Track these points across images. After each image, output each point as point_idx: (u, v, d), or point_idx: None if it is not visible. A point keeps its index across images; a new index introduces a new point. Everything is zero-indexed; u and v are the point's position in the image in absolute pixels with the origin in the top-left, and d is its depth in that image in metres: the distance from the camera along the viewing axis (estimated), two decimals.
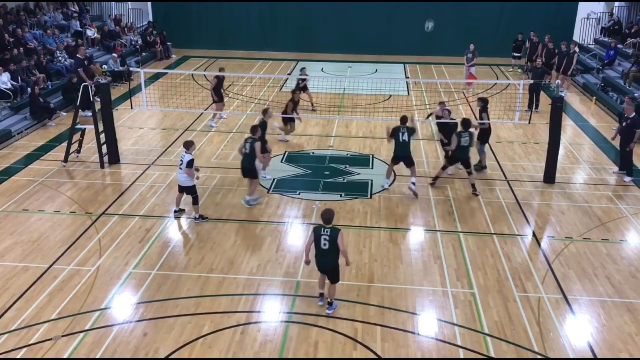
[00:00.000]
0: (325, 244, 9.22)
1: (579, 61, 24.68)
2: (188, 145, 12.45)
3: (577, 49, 23.87)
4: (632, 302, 10.10)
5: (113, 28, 28.15)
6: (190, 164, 12.21)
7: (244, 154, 13.04)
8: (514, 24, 28.71)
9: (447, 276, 10.78)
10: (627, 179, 15.03)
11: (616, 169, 15.60)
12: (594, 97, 22.19)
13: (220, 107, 18.83)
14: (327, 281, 9.63)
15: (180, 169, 12.37)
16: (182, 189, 12.68)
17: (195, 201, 12.60)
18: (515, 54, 27.14)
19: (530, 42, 25.90)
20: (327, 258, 9.32)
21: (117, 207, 13.30)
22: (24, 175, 14.94)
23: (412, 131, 13.78)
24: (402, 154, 13.84)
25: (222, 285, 10.39)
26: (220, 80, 18.61)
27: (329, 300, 9.65)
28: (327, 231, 9.24)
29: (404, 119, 13.81)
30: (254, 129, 13.34)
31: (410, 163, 13.93)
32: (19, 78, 19.39)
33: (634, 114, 15.06)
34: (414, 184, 13.92)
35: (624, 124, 15.18)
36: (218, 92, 18.61)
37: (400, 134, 13.64)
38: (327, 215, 9.32)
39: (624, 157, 15.24)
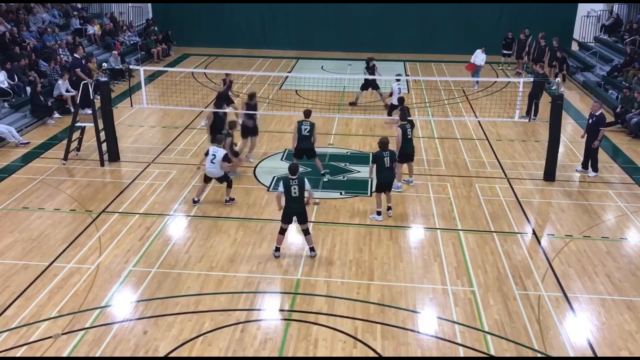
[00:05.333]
0: (387, 163, 12.40)
1: (579, 59, 24.71)
2: (220, 141, 13.21)
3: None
4: (632, 300, 10.10)
5: (112, 26, 28.07)
6: (225, 158, 12.85)
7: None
8: (514, 23, 28.69)
9: (447, 274, 10.78)
10: (592, 174, 15.17)
11: (580, 166, 15.59)
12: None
13: None
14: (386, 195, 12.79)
15: (213, 162, 12.82)
16: (209, 179, 13.16)
17: (229, 185, 13.33)
18: (505, 52, 27.08)
19: (518, 40, 25.89)
20: (390, 174, 12.61)
21: (117, 205, 13.30)
22: (24, 173, 14.93)
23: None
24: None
25: (222, 283, 10.40)
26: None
27: (389, 205, 12.85)
28: (387, 153, 12.36)
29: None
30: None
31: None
32: (15, 77, 19.32)
33: (600, 111, 14.99)
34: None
35: (590, 121, 15.13)
36: None
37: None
38: (384, 140, 12.41)
39: (590, 155, 15.26)
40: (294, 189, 10.83)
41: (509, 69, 27.12)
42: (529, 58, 25.53)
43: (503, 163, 16.06)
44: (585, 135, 15.32)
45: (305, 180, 11.00)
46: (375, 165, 12.57)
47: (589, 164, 15.30)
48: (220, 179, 13.18)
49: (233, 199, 13.45)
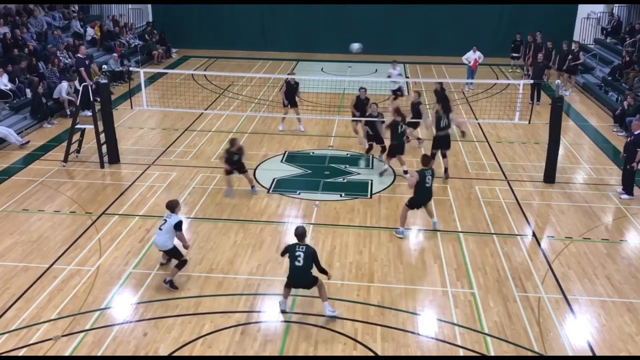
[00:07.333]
0: (428, 182, 11.86)
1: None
2: (173, 206, 10.23)
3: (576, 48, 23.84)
4: (632, 302, 10.10)
5: (112, 28, 28.11)
6: (178, 226, 10.07)
7: None
8: (514, 24, 28.70)
9: (447, 276, 10.78)
10: (625, 196, 13.95)
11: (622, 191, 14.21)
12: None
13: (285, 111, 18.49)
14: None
15: (161, 229, 10.08)
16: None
17: (180, 265, 10.24)
18: (514, 54, 27.10)
19: (527, 43, 25.88)
20: (428, 194, 12.06)
21: (117, 207, 13.30)
22: (24, 175, 14.94)
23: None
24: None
25: (222, 285, 10.39)
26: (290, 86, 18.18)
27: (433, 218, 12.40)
28: (429, 172, 11.84)
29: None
30: None
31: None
32: (16, 79, 19.32)
33: (639, 131, 13.65)
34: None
35: (629, 139, 14.00)
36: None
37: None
38: (428, 155, 12.45)
39: (624, 175, 14.13)
40: (299, 257, 9.15)
41: (517, 71, 27.04)
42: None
43: (503, 165, 16.06)
44: (624, 155, 14.06)
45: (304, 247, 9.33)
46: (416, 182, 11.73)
47: (625, 185, 14.09)
48: (169, 253, 10.40)
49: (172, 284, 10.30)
